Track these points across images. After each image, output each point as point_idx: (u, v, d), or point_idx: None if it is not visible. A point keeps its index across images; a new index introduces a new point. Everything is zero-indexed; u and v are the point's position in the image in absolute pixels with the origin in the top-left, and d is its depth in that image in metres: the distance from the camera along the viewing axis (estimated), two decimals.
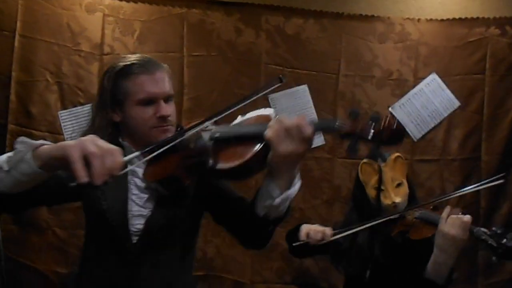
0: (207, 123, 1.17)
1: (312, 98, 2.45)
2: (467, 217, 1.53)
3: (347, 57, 2.48)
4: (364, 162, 1.80)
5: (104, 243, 1.28)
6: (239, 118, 1.19)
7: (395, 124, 0.95)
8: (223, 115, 1.17)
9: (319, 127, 1.01)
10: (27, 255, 2.16)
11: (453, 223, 1.52)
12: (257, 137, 1.02)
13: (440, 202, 1.74)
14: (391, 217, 1.68)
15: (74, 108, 2.26)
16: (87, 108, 2.27)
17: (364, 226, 1.67)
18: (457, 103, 2.52)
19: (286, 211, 1.11)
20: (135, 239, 1.23)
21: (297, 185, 1.07)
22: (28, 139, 1.05)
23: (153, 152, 1.13)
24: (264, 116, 1.14)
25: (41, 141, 1.04)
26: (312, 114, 2.45)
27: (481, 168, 2.50)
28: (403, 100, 2.51)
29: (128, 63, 1.24)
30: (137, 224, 1.24)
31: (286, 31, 2.45)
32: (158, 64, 1.27)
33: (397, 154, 1.79)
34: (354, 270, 1.77)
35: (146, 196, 1.25)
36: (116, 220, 1.23)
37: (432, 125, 2.52)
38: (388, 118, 0.95)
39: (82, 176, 0.89)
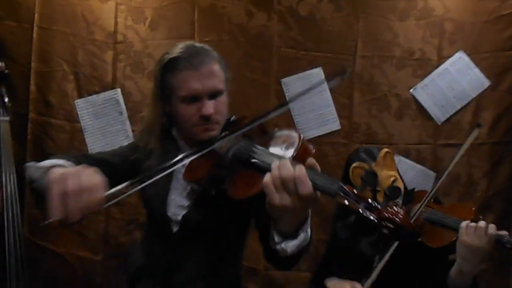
0: (246, 128, 1.03)
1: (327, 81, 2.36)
2: (492, 227, 1.41)
3: (365, 38, 2.34)
4: (354, 167, 1.66)
5: (151, 228, 1.35)
6: (276, 131, 1.04)
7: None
8: (264, 119, 1.02)
9: (321, 188, 0.82)
10: (48, 238, 2.23)
11: (474, 232, 1.41)
12: (264, 170, 0.87)
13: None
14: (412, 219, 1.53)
15: (89, 97, 2.30)
16: (102, 96, 2.30)
17: (384, 260, 1.51)
18: (487, 83, 2.33)
19: (307, 244, 0.96)
20: (175, 228, 1.26)
21: (302, 236, 0.92)
22: (34, 163, 1.05)
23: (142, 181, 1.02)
24: (290, 140, 0.96)
25: (53, 162, 1.03)
26: (327, 98, 2.35)
27: None
28: (426, 80, 2.34)
29: (174, 56, 1.19)
30: (176, 213, 1.26)
31: (299, 12, 2.35)
32: (205, 55, 1.19)
33: (386, 149, 1.65)
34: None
35: (189, 188, 1.25)
36: (156, 207, 1.27)
37: (458, 107, 2.33)
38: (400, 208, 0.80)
39: (55, 214, 0.84)
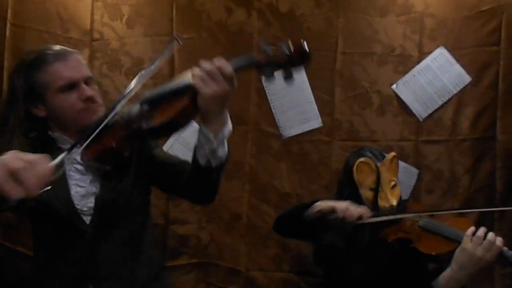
0: (128, 95, 1.19)
1: (308, 78, 2.28)
2: (499, 240, 1.43)
3: (345, 34, 2.28)
4: (361, 161, 1.68)
5: (54, 232, 1.26)
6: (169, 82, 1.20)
7: (302, 43, 1.03)
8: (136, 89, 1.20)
9: (237, 65, 1.08)
10: (23, 242, 2.15)
11: (481, 243, 1.41)
12: (184, 89, 1.09)
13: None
14: (420, 213, 1.65)
15: None
16: None
17: (395, 217, 1.62)
18: (468, 79, 2.28)
19: (226, 158, 1.15)
20: (88, 219, 1.23)
21: (229, 125, 1.14)
22: None
23: (88, 137, 1.12)
24: (185, 73, 1.14)
25: None
26: (308, 95, 2.30)
27: (495, 149, 2.26)
28: (407, 77, 2.29)
29: (39, 55, 1.21)
30: (87, 203, 1.23)
31: (279, 9, 2.28)
32: (69, 50, 1.26)
33: (393, 153, 1.71)
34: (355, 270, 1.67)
35: (89, 177, 1.25)
36: (62, 207, 1.21)
37: (440, 103, 2.27)
38: (294, 42, 1.04)
39: (16, 193, 0.86)
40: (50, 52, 1.22)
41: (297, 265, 2.26)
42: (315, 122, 2.29)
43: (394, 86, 2.30)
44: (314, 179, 2.27)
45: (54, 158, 1.08)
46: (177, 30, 2.27)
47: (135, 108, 1.18)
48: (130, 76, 2.25)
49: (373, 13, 2.30)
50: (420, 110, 2.29)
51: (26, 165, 0.88)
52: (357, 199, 1.66)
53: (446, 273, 1.49)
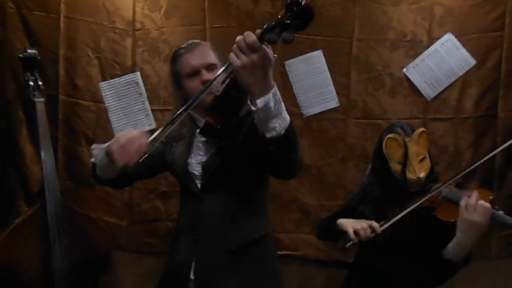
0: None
1: (327, 62, 2.47)
2: (487, 204, 1.52)
3: (361, 22, 2.45)
4: (389, 137, 1.74)
5: (182, 188, 1.60)
6: None
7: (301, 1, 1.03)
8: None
9: (260, 35, 1.08)
10: (80, 206, 2.44)
11: (474, 210, 1.51)
12: (227, 67, 1.15)
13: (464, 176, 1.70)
14: (430, 195, 1.63)
15: (112, 80, 2.48)
16: (123, 79, 2.49)
17: (406, 212, 1.62)
18: (473, 62, 2.48)
19: (285, 130, 1.12)
20: (198, 182, 1.50)
21: (276, 94, 1.12)
22: (97, 145, 1.36)
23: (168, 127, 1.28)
24: None
25: (106, 144, 1.29)
26: (327, 78, 2.53)
27: (497, 126, 2.47)
28: (417, 60, 2.48)
29: (177, 49, 1.54)
30: (199, 169, 1.50)
31: None
32: (198, 42, 1.53)
33: (422, 129, 1.75)
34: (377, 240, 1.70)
35: (210, 149, 1.50)
36: (180, 170, 1.53)
37: (447, 84, 2.48)
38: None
39: (119, 161, 1.19)
40: (183, 46, 1.51)
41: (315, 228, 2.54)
42: (333, 102, 2.52)
43: (405, 69, 2.51)
44: (332, 153, 2.52)
45: (190, 129, 1.51)
46: (209, 20, 2.49)
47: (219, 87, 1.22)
48: (167, 62, 2.50)
49: (387, 3, 2.48)
50: (428, 91, 2.51)
51: (127, 142, 1.18)
52: (388, 172, 1.74)
53: (453, 241, 1.55)
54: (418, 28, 2.48)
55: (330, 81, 2.50)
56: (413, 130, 1.76)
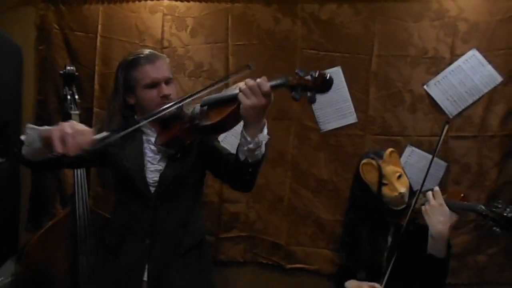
0: (189, 98, 1.50)
1: (346, 79, 2.47)
2: (445, 208, 1.64)
3: (381, 38, 2.43)
4: (364, 163, 1.87)
5: (129, 193, 1.67)
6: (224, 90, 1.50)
7: (326, 75, 1.25)
8: (201, 93, 1.50)
9: (274, 84, 1.29)
10: (108, 211, 2.63)
11: (430, 212, 1.64)
12: (233, 98, 1.34)
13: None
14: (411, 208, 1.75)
15: None
16: None
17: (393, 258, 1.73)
18: (499, 79, 2.37)
19: (262, 156, 1.38)
20: (152, 189, 1.61)
21: (265, 131, 1.35)
22: (34, 125, 1.44)
23: (147, 119, 1.53)
24: (238, 84, 1.39)
25: (44, 127, 1.39)
26: (345, 93, 2.54)
27: None
28: (439, 77, 2.41)
29: (135, 57, 1.60)
30: (153, 177, 1.61)
31: (320, 17, 2.47)
32: (158, 54, 1.62)
33: (391, 149, 1.89)
34: (369, 262, 1.87)
35: (158, 157, 1.63)
36: (137, 175, 1.61)
37: (470, 102, 2.38)
38: (318, 71, 1.26)
39: (58, 148, 1.23)
40: (143, 55, 1.58)
41: (332, 243, 2.54)
42: (351, 118, 2.51)
43: (425, 86, 2.46)
44: (348, 168, 2.49)
45: (135, 137, 1.61)
46: (232, 38, 2.59)
47: (197, 107, 1.50)
48: (192, 78, 2.63)
49: (408, 19, 2.44)
50: (451, 108, 2.43)
51: (73, 132, 1.21)
52: (370, 197, 1.86)
53: (429, 239, 1.67)
54: (441, 45, 2.42)
55: (348, 97, 2.49)
56: (383, 153, 1.87)
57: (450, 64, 2.41)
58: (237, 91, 1.31)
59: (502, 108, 2.37)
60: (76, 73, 2.52)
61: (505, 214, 1.62)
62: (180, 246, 1.62)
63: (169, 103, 1.52)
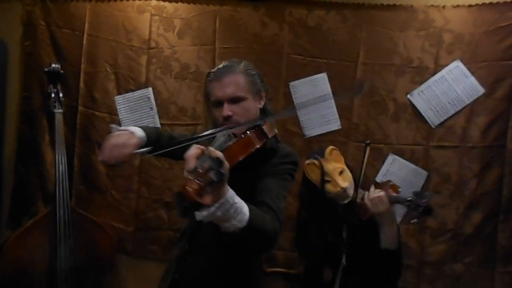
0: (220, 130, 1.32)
1: (331, 85, 2.46)
2: (382, 193, 1.71)
3: (367, 46, 2.42)
4: (307, 163, 1.86)
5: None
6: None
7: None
8: (238, 127, 1.33)
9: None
10: (91, 210, 2.59)
11: (372, 203, 1.70)
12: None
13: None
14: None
15: (126, 94, 2.61)
16: (136, 94, 2.61)
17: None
18: (481, 90, 2.39)
19: (244, 229, 1.10)
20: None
21: (224, 200, 1.08)
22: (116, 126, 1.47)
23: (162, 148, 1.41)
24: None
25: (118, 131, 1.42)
26: (330, 101, 2.53)
27: (505, 157, 2.34)
28: (423, 87, 2.41)
29: (211, 71, 1.45)
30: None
31: (308, 23, 2.46)
32: (230, 68, 1.40)
33: (331, 147, 1.90)
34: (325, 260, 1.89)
35: None
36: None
37: (452, 112, 2.39)
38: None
39: (100, 156, 1.34)
40: (215, 71, 1.42)
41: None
42: (335, 124, 2.51)
43: (409, 95, 2.47)
44: None
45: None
46: (219, 41, 2.57)
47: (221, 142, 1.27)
48: (178, 79, 2.61)
49: (394, 28, 2.44)
50: (433, 118, 2.45)
51: (112, 145, 1.29)
52: (316, 195, 1.85)
53: (381, 233, 1.74)
54: (425, 55, 2.43)
55: (333, 103, 2.49)
56: (324, 152, 1.87)
57: (434, 74, 2.42)
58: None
59: (483, 120, 2.38)
60: (62, 71, 2.48)
61: (421, 203, 1.69)
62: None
63: (231, 124, 1.36)
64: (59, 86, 2.47)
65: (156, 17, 2.58)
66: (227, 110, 1.37)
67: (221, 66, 1.42)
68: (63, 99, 2.45)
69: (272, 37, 2.51)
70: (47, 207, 2.38)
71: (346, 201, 1.80)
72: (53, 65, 2.46)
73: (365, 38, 2.45)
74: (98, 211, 2.61)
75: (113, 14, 2.59)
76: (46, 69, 2.46)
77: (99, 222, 2.47)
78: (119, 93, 2.59)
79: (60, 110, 2.41)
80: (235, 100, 1.37)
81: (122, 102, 2.60)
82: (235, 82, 1.37)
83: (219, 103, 1.39)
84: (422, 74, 2.42)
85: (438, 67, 2.40)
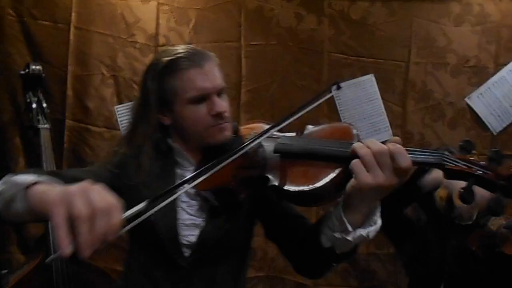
0: (271, 132, 0.96)
1: (379, 88, 2.15)
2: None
3: (418, 43, 2.14)
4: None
5: (150, 257, 1.09)
6: (310, 128, 0.97)
7: None
8: (288, 121, 0.97)
9: (420, 159, 0.77)
10: (99, 258, 2.05)
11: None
12: (337, 159, 0.81)
13: None
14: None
15: (130, 103, 2.11)
16: None
17: None
18: None
19: (354, 250, 0.89)
20: (187, 252, 1.06)
21: (377, 224, 0.83)
22: (12, 177, 0.85)
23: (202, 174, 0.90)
24: (343, 130, 0.91)
25: (31, 178, 0.77)
26: (379, 106, 2.19)
27: None
28: (482, 89, 2.16)
29: (173, 57, 1.04)
30: (189, 235, 1.06)
31: (350, 16, 2.15)
32: (205, 54, 1.07)
33: None
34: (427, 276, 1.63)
35: (196, 204, 1.07)
36: (166, 231, 1.05)
37: None
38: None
39: (64, 245, 0.61)
40: (185, 55, 1.04)
41: (365, 280, 2.17)
42: (386, 133, 2.17)
43: (467, 99, 2.19)
44: None
45: (166, 170, 1.05)
46: (246, 37, 2.14)
47: (267, 152, 0.96)
48: None
49: (447, 22, 2.17)
50: (495, 124, 2.17)
51: (90, 214, 0.62)
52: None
53: None
54: (483, 53, 2.17)
55: (383, 109, 2.16)
56: None
57: (493, 74, 2.17)
58: (343, 148, 0.82)
59: None
60: (43, 75, 1.90)
61: None
62: None
63: (224, 125, 1.05)
64: (40, 94, 1.89)
65: (165, 7, 2.11)
66: (221, 104, 1.05)
67: (185, 49, 1.07)
68: (47, 111, 1.88)
69: (310, 32, 2.17)
70: (33, 258, 1.78)
71: (465, 223, 1.57)
72: (32, 67, 1.91)
73: (415, 33, 2.17)
74: (98, 255, 2.02)
75: (108, 2, 2.11)
76: (21, 72, 1.89)
77: (100, 268, 1.94)
78: (120, 102, 2.11)
79: (47, 126, 1.87)
80: (221, 92, 1.07)
81: (124, 113, 2.09)
82: (217, 69, 1.07)
83: (203, 98, 1.04)
84: (480, 74, 2.17)
85: (497, 67, 2.16)
